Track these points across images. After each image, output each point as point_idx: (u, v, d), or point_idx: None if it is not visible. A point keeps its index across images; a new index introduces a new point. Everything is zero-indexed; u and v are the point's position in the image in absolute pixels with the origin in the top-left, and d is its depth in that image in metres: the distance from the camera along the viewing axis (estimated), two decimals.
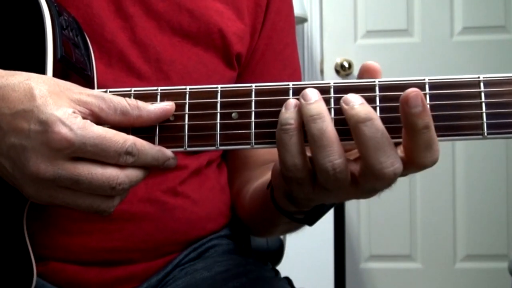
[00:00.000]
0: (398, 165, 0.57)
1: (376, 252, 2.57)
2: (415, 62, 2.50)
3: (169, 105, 0.62)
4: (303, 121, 0.58)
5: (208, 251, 0.87)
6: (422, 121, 0.55)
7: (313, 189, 0.61)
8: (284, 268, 0.93)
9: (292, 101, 0.59)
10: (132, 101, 0.61)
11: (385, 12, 2.52)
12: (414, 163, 0.58)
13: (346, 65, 2.52)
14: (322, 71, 2.55)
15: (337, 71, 2.54)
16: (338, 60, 2.54)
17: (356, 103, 0.57)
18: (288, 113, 0.58)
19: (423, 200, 2.51)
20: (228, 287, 0.78)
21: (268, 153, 0.91)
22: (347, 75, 2.53)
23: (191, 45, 0.83)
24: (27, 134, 0.57)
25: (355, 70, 2.53)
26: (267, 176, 0.79)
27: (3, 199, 0.61)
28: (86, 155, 0.58)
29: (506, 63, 2.46)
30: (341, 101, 0.58)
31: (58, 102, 0.57)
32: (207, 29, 0.83)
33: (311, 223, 0.71)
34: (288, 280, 0.85)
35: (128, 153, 0.59)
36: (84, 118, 0.58)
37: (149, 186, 0.81)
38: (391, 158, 0.56)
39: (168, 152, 0.62)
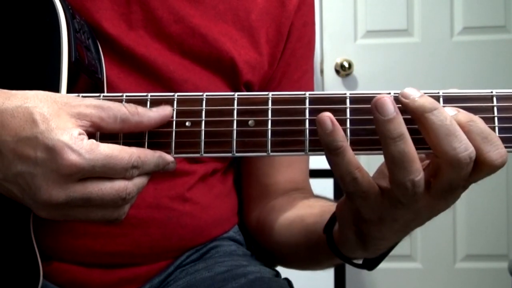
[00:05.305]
0: (472, 149, 0.56)
1: None
2: (415, 62, 2.50)
3: (167, 109, 0.62)
4: (379, 137, 0.57)
5: (210, 252, 0.88)
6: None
7: (382, 202, 0.60)
8: (284, 268, 0.92)
9: (326, 119, 0.57)
10: (132, 107, 0.61)
11: (385, 12, 2.52)
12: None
13: (346, 65, 2.52)
14: (322, 71, 2.54)
15: (337, 71, 2.54)
16: (338, 60, 2.53)
17: (416, 96, 0.57)
18: (332, 135, 0.57)
19: None
20: (227, 287, 0.78)
21: (289, 182, 0.92)
22: (347, 75, 2.53)
23: (201, 67, 0.83)
24: (35, 161, 0.56)
25: (355, 70, 2.53)
26: (311, 216, 0.80)
27: (10, 200, 0.61)
28: (95, 175, 0.58)
29: (506, 63, 2.46)
30: (400, 96, 0.57)
31: (60, 124, 0.57)
32: (218, 56, 0.83)
33: (370, 267, 0.72)
34: (287, 281, 0.85)
35: (134, 167, 0.59)
36: (85, 130, 0.58)
37: (158, 192, 0.81)
38: (463, 142, 0.56)
39: (168, 157, 0.62)
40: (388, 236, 0.65)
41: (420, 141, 0.58)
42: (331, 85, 2.54)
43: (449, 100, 0.59)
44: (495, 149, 0.57)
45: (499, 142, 0.57)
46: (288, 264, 0.92)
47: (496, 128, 0.58)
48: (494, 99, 0.59)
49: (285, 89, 0.91)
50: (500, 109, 0.59)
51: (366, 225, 0.64)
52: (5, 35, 0.69)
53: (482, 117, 0.58)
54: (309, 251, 0.80)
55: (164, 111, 0.62)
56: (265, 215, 0.90)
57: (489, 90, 0.59)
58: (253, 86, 0.87)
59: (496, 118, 0.59)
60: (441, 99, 0.59)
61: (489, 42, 2.48)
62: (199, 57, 0.82)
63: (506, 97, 0.59)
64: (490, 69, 2.47)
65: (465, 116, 0.57)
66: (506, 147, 0.58)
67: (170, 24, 0.81)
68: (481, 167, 0.58)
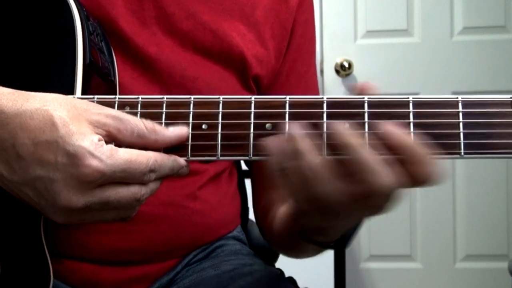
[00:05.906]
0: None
1: (376, 252, 2.57)
2: (415, 62, 2.50)
3: (183, 130, 0.62)
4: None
5: (215, 251, 0.89)
6: None
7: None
8: (284, 268, 0.93)
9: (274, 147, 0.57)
10: (149, 124, 0.61)
11: (385, 12, 2.52)
12: None
13: (346, 65, 2.52)
14: (322, 71, 2.54)
15: (337, 71, 2.54)
16: (338, 60, 2.53)
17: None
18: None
19: (423, 200, 2.51)
20: (234, 286, 0.80)
21: None
22: (347, 75, 2.53)
23: (212, 63, 0.84)
24: (55, 166, 0.56)
25: (355, 70, 2.53)
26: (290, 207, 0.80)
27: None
28: (115, 180, 0.58)
29: (506, 63, 2.46)
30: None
31: (80, 129, 0.57)
32: (229, 50, 0.84)
33: (344, 246, 0.73)
34: (291, 280, 0.87)
35: (151, 170, 0.59)
36: (100, 140, 0.58)
37: (171, 190, 0.82)
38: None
39: (182, 160, 0.63)
40: (341, 226, 0.66)
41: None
42: (331, 85, 2.54)
43: (468, 105, 0.58)
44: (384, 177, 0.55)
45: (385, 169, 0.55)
46: (283, 252, 0.93)
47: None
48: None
49: (293, 82, 0.92)
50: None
51: (313, 231, 0.67)
52: (21, 37, 0.69)
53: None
54: (295, 239, 0.80)
55: (180, 132, 0.62)
56: (268, 208, 0.91)
57: (509, 96, 0.58)
58: (261, 80, 0.88)
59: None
60: (460, 104, 0.58)
61: (489, 42, 2.48)
62: (211, 52, 0.83)
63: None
64: (490, 69, 2.47)
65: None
66: (433, 154, 0.56)
67: (181, 20, 0.82)
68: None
